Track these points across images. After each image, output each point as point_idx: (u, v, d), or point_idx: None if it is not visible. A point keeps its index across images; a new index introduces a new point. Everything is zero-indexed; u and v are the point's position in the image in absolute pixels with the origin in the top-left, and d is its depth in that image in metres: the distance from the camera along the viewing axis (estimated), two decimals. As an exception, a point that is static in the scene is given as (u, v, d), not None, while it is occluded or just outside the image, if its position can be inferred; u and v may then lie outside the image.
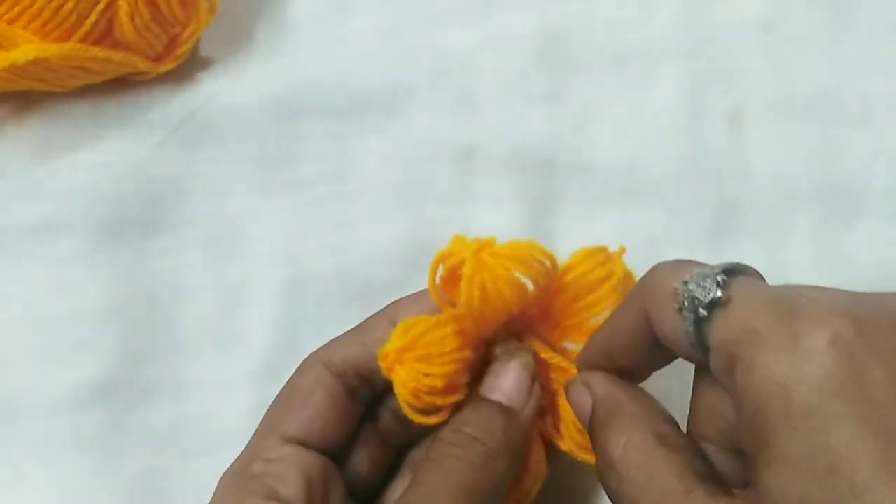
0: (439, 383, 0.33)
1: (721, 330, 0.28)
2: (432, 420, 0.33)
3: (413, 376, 0.32)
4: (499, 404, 0.33)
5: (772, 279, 0.41)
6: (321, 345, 0.39)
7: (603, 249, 0.35)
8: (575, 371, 0.34)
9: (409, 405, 0.33)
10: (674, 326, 0.29)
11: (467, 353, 0.33)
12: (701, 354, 0.29)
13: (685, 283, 0.29)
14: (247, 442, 0.38)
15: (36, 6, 0.38)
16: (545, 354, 0.35)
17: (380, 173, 0.42)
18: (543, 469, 0.35)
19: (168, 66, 0.42)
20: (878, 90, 0.42)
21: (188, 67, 0.43)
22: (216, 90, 0.43)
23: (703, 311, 0.28)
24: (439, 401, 0.33)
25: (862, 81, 0.42)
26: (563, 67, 0.43)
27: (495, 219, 0.41)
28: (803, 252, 0.40)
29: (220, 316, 0.41)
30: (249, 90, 0.43)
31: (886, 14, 0.42)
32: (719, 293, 0.28)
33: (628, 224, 0.41)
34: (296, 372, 0.35)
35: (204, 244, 0.41)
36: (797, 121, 0.42)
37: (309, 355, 0.35)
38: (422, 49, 0.43)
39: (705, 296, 0.28)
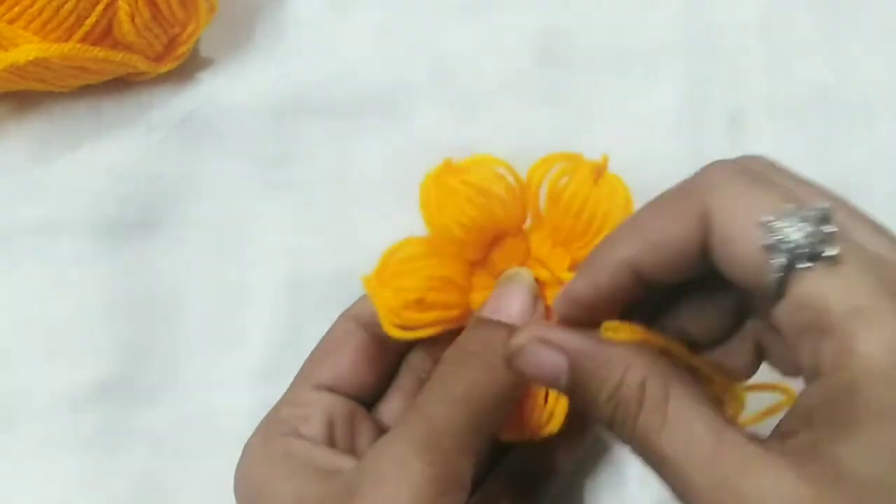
0: (411, 296, 0.33)
1: (816, 288, 0.25)
2: (415, 334, 0.34)
3: (390, 292, 0.34)
4: (499, 322, 0.33)
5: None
6: None
7: (576, 157, 0.35)
8: None
9: (390, 322, 0.34)
10: (747, 259, 0.26)
11: (446, 272, 0.34)
12: (771, 297, 0.26)
13: (778, 221, 0.26)
14: (246, 442, 0.38)
15: (36, 6, 0.38)
16: (547, 275, 0.35)
17: (380, 173, 0.42)
18: (564, 398, 0.34)
19: (168, 65, 0.42)
20: (878, 90, 0.42)
21: (188, 67, 0.43)
22: (216, 90, 0.43)
23: (803, 263, 0.25)
24: (418, 317, 0.34)
25: (862, 81, 0.42)
26: (563, 68, 0.43)
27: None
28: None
29: (220, 316, 0.41)
30: (249, 90, 0.43)
31: (886, 14, 0.43)
32: (831, 251, 0.25)
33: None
34: (329, 328, 0.36)
35: (204, 244, 0.41)
36: (797, 121, 0.42)
37: (342, 312, 0.36)
38: (422, 49, 0.43)
39: (810, 246, 0.26)
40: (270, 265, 0.41)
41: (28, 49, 0.38)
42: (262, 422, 0.34)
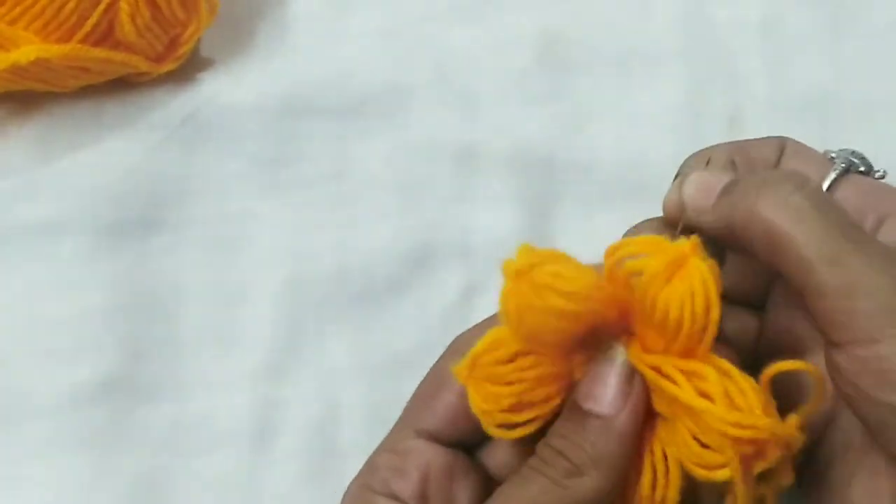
0: (505, 403, 0.31)
1: None
2: (514, 434, 0.31)
3: (483, 396, 0.31)
4: (588, 412, 0.30)
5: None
6: (318, 347, 0.39)
7: (655, 243, 0.30)
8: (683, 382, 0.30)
9: (487, 423, 0.31)
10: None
11: (541, 369, 0.31)
12: None
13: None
14: (246, 441, 0.38)
15: (37, 7, 0.39)
16: (649, 360, 0.31)
17: (380, 173, 0.42)
18: (675, 482, 0.30)
19: (169, 66, 0.42)
20: (878, 90, 0.42)
21: (189, 68, 0.43)
22: (217, 90, 0.43)
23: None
24: (515, 418, 0.31)
25: (862, 81, 0.42)
26: (563, 67, 0.43)
27: (495, 219, 0.41)
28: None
29: (220, 316, 0.40)
30: (250, 90, 0.43)
31: (886, 14, 0.42)
32: None
33: (628, 224, 0.41)
34: (441, 356, 0.33)
35: (204, 244, 0.41)
36: (797, 121, 0.42)
37: (456, 338, 0.33)
38: (422, 49, 0.43)
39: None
40: (270, 265, 0.41)
41: (29, 50, 0.39)
42: (364, 465, 0.33)
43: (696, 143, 0.42)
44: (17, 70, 0.39)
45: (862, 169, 0.34)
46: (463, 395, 0.32)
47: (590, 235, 0.40)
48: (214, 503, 0.39)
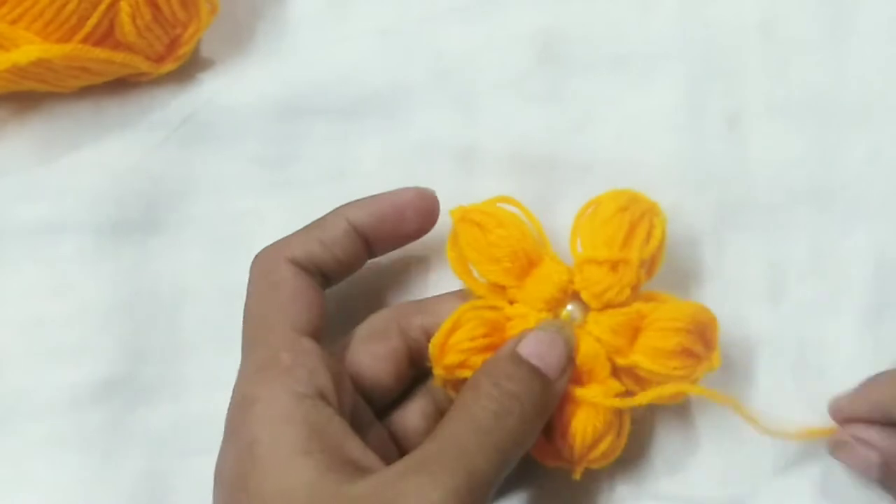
0: (457, 360, 0.35)
1: None
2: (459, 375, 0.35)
3: (452, 359, 0.35)
4: (538, 369, 0.33)
5: (771, 279, 0.41)
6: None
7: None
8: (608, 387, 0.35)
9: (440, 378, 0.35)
10: None
11: (490, 337, 0.35)
12: None
13: None
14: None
15: (38, 7, 0.39)
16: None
17: (380, 173, 0.42)
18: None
19: (169, 66, 0.42)
20: (877, 90, 0.42)
21: (189, 68, 0.43)
22: (217, 90, 0.43)
23: None
24: (461, 372, 0.35)
25: (861, 82, 0.42)
26: (563, 67, 0.43)
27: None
28: (802, 252, 0.40)
29: (220, 316, 0.40)
30: (250, 90, 0.43)
31: (886, 14, 0.42)
32: None
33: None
34: (260, 269, 0.36)
35: (205, 244, 0.41)
36: (797, 121, 0.42)
37: (265, 253, 0.36)
38: (422, 49, 0.43)
39: None
40: (270, 265, 0.41)
41: (30, 50, 0.39)
42: (253, 373, 0.34)
43: (695, 143, 0.42)
44: (17, 70, 0.39)
45: None
46: (312, 294, 0.35)
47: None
48: (215, 503, 0.39)
